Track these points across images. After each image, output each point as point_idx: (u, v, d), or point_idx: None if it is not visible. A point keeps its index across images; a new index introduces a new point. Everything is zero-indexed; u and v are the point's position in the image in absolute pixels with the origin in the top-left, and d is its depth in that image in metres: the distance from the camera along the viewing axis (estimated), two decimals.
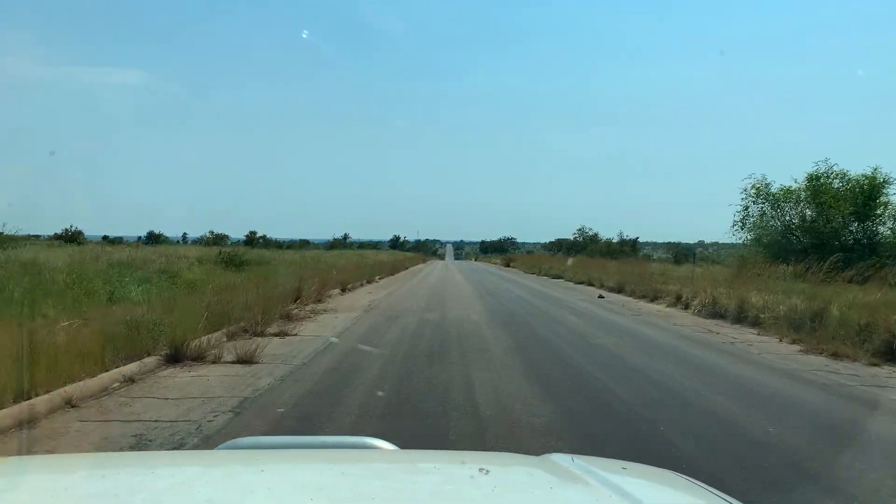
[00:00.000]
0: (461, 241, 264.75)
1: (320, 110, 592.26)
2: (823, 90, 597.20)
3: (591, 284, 28.48)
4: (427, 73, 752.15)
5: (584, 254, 69.10)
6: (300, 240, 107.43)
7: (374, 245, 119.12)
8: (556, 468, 1.49)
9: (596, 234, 74.96)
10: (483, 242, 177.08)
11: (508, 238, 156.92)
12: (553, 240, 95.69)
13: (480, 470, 1.37)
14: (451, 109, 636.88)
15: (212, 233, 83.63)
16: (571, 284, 29.93)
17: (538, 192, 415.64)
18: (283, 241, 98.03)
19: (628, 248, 69.12)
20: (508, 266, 63.89)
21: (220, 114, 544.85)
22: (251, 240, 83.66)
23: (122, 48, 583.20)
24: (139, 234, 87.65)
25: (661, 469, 1.64)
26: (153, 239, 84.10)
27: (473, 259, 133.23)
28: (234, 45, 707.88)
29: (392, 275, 37.83)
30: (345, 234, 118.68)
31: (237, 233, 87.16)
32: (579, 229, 77.77)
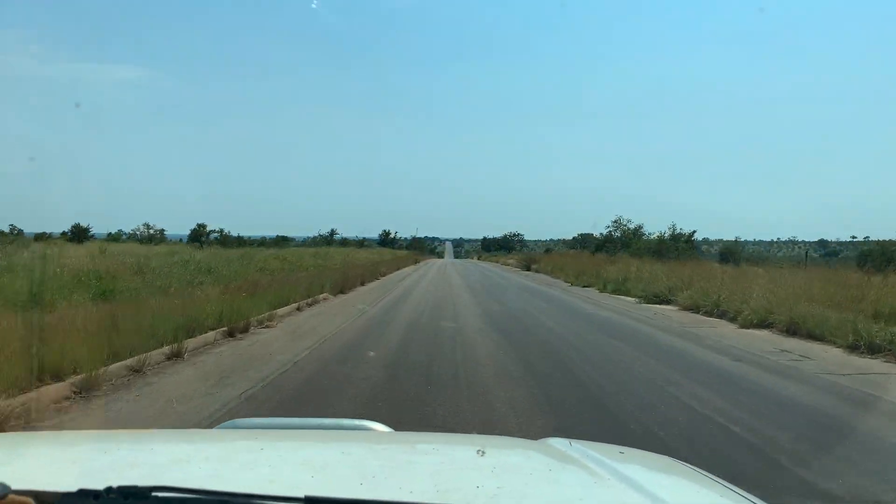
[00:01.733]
0: (460, 238, 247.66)
1: (317, 105, 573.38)
2: (825, 85, 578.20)
3: (816, 337, 11.10)
4: (425, 68, 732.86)
5: (627, 252, 52.46)
6: (277, 236, 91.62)
7: (361, 242, 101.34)
8: (554, 452, 1.48)
9: (640, 227, 57.42)
10: (485, 239, 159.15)
11: (515, 234, 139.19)
12: (577, 235, 78.05)
13: (478, 451, 1.38)
14: (448, 107, 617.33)
15: (147, 226, 65.77)
16: (754, 335, 12.41)
17: (544, 189, 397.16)
18: (256, 238, 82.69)
19: (683, 245, 52.27)
20: (530, 269, 46.30)
21: (211, 109, 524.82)
22: (198, 235, 66.04)
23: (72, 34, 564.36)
24: (111, 230, 69.48)
25: (658, 454, 1.61)
26: (79, 234, 66.41)
27: (476, 258, 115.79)
28: (224, 38, 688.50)
29: (342, 293, 20.35)
30: (331, 230, 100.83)
31: (233, 228, 69.85)
32: (615, 221, 60.08)
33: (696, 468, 1.43)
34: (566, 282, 30.24)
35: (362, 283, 25.41)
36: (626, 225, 62.31)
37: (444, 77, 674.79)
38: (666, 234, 54.58)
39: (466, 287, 25.63)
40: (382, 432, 1.67)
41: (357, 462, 1.34)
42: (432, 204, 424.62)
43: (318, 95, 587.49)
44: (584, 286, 26.77)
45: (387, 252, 76.40)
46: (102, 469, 1.23)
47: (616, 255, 47.98)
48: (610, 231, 63.13)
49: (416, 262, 66.31)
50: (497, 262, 76.91)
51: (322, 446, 1.48)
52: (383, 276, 33.16)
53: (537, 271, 43.37)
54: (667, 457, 1.58)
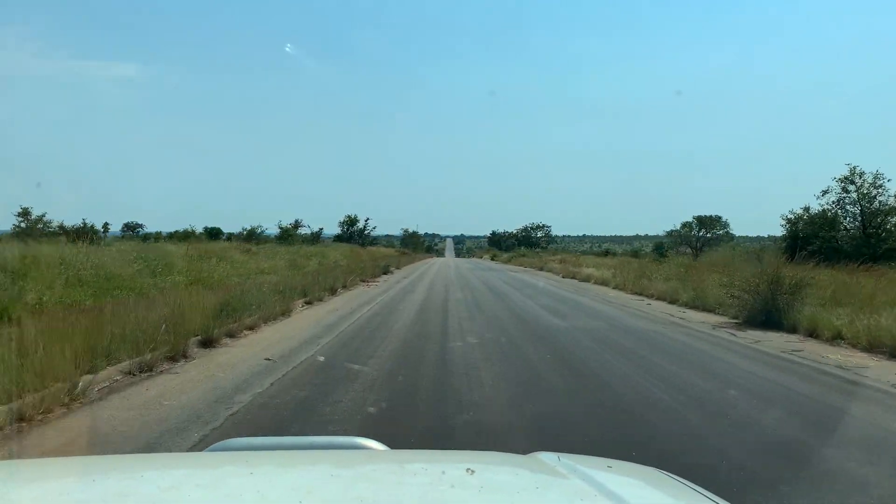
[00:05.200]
0: (461, 234, 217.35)
1: (317, 103, 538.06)
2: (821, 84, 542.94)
3: None
4: (419, 65, 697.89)
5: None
6: (207, 229, 60.31)
7: (317, 236, 66.43)
8: (543, 467, 1.47)
9: None
10: (494, 234, 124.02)
11: (539, 226, 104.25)
12: (690, 221, 43.41)
13: (467, 470, 1.37)
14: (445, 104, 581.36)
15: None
16: None
17: (548, 185, 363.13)
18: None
19: None
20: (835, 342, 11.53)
21: (208, 106, 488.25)
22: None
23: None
24: None
25: (646, 467, 1.59)
26: None
27: (489, 258, 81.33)
28: (217, 35, 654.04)
29: None
30: (295, 221, 65.24)
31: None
32: (845, 177, 25.31)
33: (684, 481, 1.40)
34: None
35: None
36: (880, 184, 27.05)
37: (440, 67, 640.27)
38: None
39: None
40: (373, 451, 1.63)
41: (346, 484, 1.32)
42: (431, 201, 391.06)
43: (312, 90, 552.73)
44: None
45: (338, 251, 41.72)
46: (93, 500, 1.20)
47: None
48: (837, 203, 27.96)
49: (384, 273, 31.33)
50: (539, 268, 41.96)
51: (311, 468, 1.46)
52: None
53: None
54: (654, 469, 1.54)
